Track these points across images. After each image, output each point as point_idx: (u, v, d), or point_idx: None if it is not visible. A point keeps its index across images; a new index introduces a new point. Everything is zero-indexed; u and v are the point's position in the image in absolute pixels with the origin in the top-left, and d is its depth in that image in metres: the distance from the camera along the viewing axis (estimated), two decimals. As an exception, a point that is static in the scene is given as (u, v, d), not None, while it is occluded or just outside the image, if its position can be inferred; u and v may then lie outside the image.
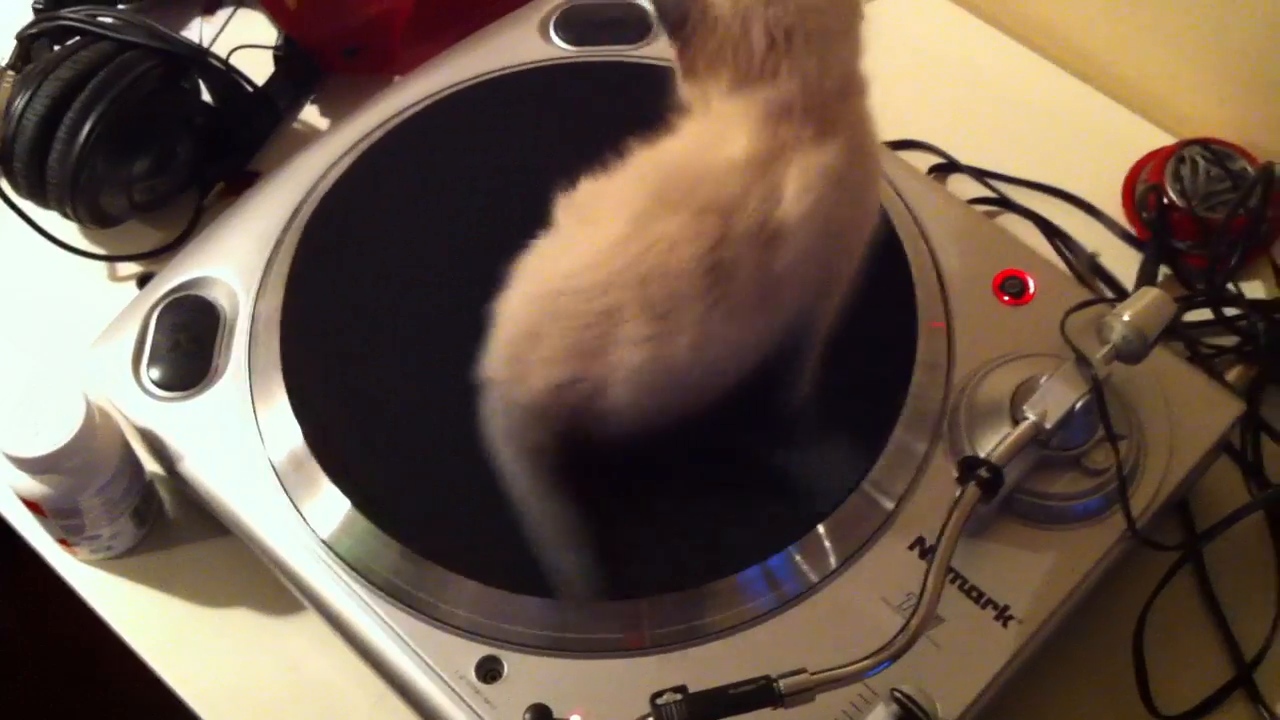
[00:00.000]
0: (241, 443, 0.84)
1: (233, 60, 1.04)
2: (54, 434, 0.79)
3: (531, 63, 0.99)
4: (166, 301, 0.90)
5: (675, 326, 0.74)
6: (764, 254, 0.74)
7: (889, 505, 0.80)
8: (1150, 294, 0.77)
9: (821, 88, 0.75)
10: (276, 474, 0.83)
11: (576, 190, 0.78)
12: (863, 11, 0.78)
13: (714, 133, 0.76)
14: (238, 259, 0.91)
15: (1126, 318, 0.76)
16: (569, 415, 0.76)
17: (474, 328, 0.78)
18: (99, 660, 1.58)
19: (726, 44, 0.76)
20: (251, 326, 0.88)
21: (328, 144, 0.96)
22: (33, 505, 0.83)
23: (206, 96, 1.03)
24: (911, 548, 0.79)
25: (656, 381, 0.75)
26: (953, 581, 0.77)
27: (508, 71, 0.99)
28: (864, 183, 0.79)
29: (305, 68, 1.09)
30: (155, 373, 0.87)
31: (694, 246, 0.73)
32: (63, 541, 0.87)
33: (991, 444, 0.76)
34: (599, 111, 0.96)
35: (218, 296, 0.89)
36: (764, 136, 0.75)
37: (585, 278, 0.74)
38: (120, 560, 0.89)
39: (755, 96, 0.75)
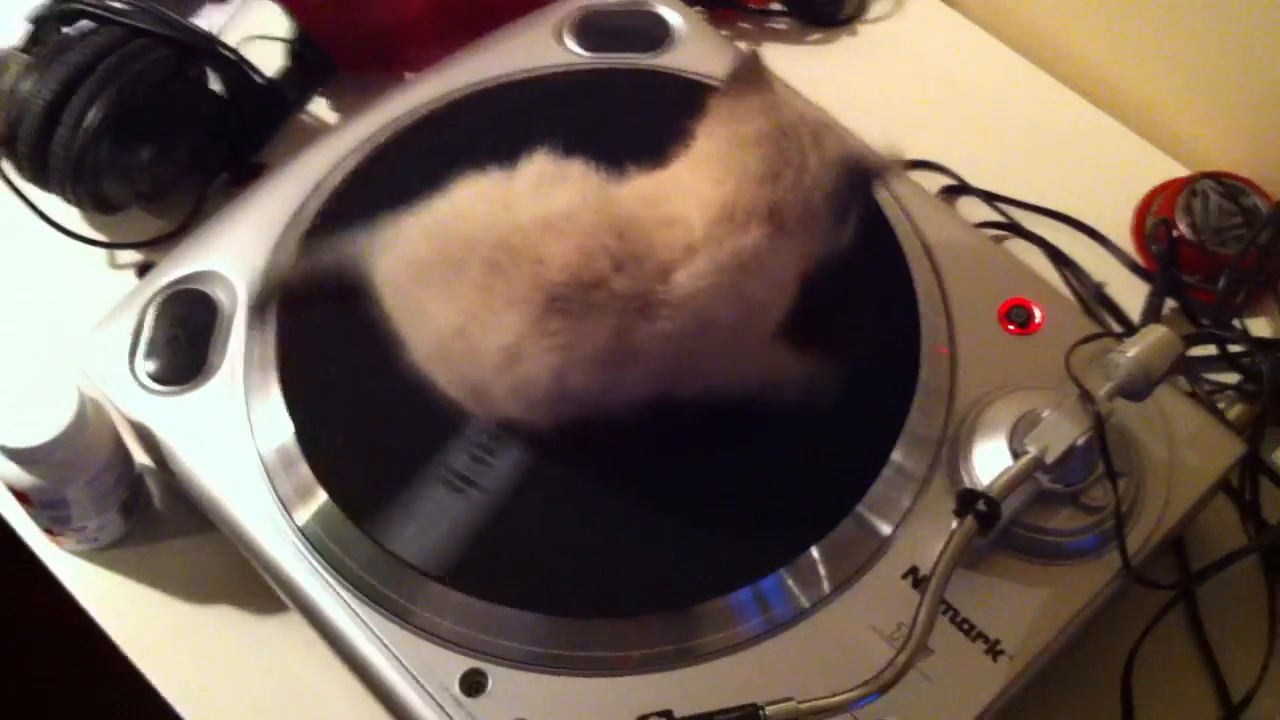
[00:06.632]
0: (233, 440, 0.83)
1: (242, 50, 1.04)
2: (45, 426, 0.78)
3: (545, 67, 0.99)
4: (165, 295, 0.89)
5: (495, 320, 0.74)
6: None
7: (885, 531, 0.79)
8: (1157, 332, 0.77)
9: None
10: (267, 473, 0.82)
11: (560, 165, 0.79)
12: None
13: (674, 187, 0.77)
14: (239, 254, 0.90)
15: (1132, 354, 0.76)
16: None
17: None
18: (84, 653, 1.57)
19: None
20: (249, 323, 0.87)
21: (336, 141, 0.95)
22: (20, 495, 0.83)
23: (215, 85, 1.02)
24: (905, 577, 0.78)
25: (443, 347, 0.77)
26: (944, 613, 0.77)
27: (521, 75, 0.98)
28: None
29: (319, 62, 1.08)
30: (150, 366, 0.87)
31: (560, 274, 0.73)
32: (49, 531, 0.87)
33: (990, 475, 0.76)
34: (612, 118, 0.95)
35: (216, 291, 0.89)
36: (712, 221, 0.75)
37: (470, 225, 0.76)
38: (106, 551, 0.88)
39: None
